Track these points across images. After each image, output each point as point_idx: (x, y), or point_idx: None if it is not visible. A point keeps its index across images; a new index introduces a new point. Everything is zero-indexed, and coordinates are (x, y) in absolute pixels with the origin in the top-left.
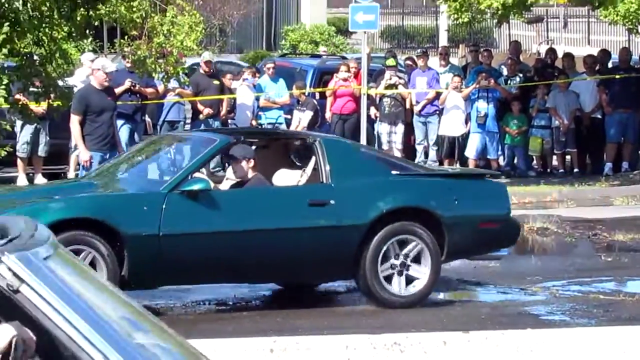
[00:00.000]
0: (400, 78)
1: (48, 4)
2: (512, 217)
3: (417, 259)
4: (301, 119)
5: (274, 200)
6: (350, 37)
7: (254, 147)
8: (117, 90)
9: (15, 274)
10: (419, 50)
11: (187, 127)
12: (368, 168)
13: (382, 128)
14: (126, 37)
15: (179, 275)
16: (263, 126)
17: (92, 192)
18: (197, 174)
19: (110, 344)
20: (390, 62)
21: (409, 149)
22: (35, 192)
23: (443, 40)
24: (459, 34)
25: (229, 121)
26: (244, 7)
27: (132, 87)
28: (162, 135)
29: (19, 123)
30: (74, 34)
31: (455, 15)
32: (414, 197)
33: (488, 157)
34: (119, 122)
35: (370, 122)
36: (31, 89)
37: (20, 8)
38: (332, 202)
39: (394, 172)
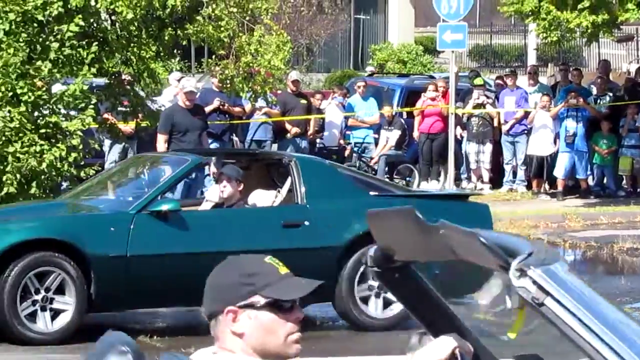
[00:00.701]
0: (488, 97)
1: (136, 24)
2: None
3: None
4: (389, 138)
5: (246, 221)
6: (438, 56)
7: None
8: (207, 109)
9: (540, 287)
10: (507, 70)
11: (275, 146)
12: (345, 189)
13: (470, 147)
14: (214, 57)
15: (147, 298)
16: (351, 145)
17: (61, 213)
18: (168, 195)
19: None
20: (478, 81)
21: (497, 168)
22: (4, 212)
23: (532, 59)
24: (548, 53)
25: (317, 140)
26: (331, 26)
27: (220, 107)
28: (138, 156)
29: (107, 142)
30: (161, 54)
31: (544, 34)
32: None
33: (577, 176)
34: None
35: (458, 141)
36: (119, 108)
37: (109, 28)
38: (306, 223)
39: (371, 193)
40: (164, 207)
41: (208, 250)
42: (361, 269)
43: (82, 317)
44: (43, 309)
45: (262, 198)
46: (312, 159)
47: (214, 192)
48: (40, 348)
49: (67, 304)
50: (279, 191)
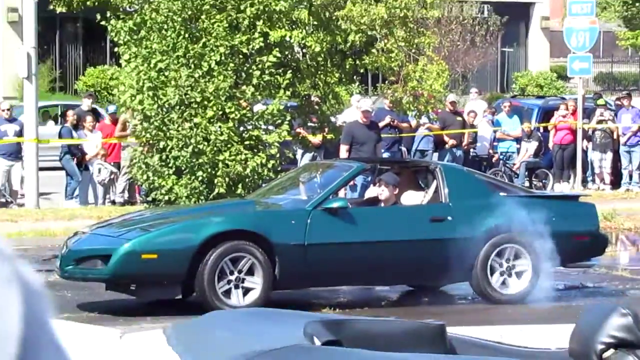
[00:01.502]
0: (609, 115)
1: (323, 55)
2: (600, 232)
3: (517, 263)
4: (528, 149)
5: (401, 217)
6: (569, 82)
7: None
8: (380, 125)
9: None
10: (624, 92)
11: (435, 155)
12: (480, 190)
13: (594, 156)
14: (386, 82)
15: (322, 278)
16: (498, 154)
17: (251, 209)
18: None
19: None
20: (601, 102)
21: (616, 172)
22: (200, 209)
23: None
24: None
25: (470, 150)
26: (481, 57)
27: (391, 122)
28: (311, 163)
29: (299, 151)
30: (343, 80)
31: None
32: None
33: None
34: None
35: (584, 151)
36: (309, 124)
37: (301, 58)
38: (449, 218)
39: (501, 193)
40: (335, 205)
41: (371, 239)
42: (492, 256)
43: (267, 294)
44: (236, 287)
45: (413, 198)
46: (453, 166)
47: (373, 193)
48: None
49: (256, 283)
50: (426, 192)
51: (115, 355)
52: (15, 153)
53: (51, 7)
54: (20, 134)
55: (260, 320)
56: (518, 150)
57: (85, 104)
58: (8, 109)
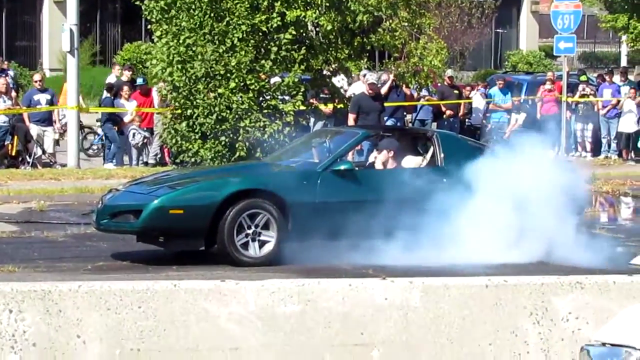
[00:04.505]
0: (591, 90)
1: (334, 33)
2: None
3: None
4: (517, 119)
5: (401, 178)
6: (556, 60)
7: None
8: (382, 90)
9: None
10: (605, 69)
11: (434, 124)
12: (472, 155)
13: (577, 126)
14: (391, 58)
15: (331, 232)
16: (490, 124)
17: (267, 170)
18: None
19: None
20: (583, 78)
21: (596, 142)
22: (222, 170)
23: (623, 62)
24: (635, 58)
25: (466, 120)
26: (477, 37)
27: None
28: (321, 130)
29: (312, 120)
30: (352, 56)
31: (632, 44)
32: None
33: None
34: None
35: (567, 121)
36: (321, 95)
37: (314, 36)
38: (444, 180)
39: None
40: (342, 167)
41: (374, 198)
42: None
43: (281, 246)
44: (253, 240)
45: (412, 162)
46: (448, 133)
47: (373, 157)
48: (252, 268)
49: (271, 237)
50: (424, 157)
51: None
52: (48, 120)
53: None
54: (51, 102)
55: None
56: (508, 121)
57: (125, 75)
58: (40, 80)
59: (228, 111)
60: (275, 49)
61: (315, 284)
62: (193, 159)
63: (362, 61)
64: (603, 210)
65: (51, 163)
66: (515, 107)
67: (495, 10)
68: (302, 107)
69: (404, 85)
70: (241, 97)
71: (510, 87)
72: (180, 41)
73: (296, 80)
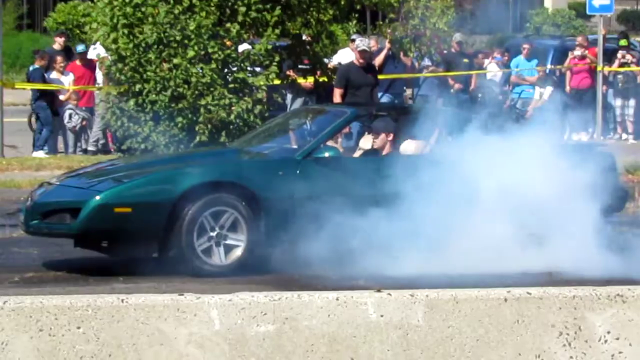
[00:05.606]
0: (633, 57)
1: None
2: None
3: None
4: (542, 94)
5: (397, 167)
6: (590, 20)
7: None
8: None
9: None
10: None
11: (440, 101)
12: (486, 138)
13: (616, 102)
14: (386, 20)
15: (312, 234)
16: (508, 99)
17: (234, 158)
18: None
19: None
20: (623, 42)
21: None
22: (178, 158)
23: None
24: None
25: (479, 95)
26: None
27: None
28: (300, 108)
29: (289, 96)
30: (338, 17)
31: None
32: None
33: None
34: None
35: (604, 96)
36: (300, 66)
37: None
38: (447, 171)
39: None
40: (326, 154)
41: (365, 193)
42: None
43: (252, 252)
44: (217, 244)
45: (412, 147)
46: (454, 111)
47: (367, 141)
48: (216, 280)
49: (239, 240)
50: (428, 141)
51: None
52: None
53: None
54: None
55: None
56: (532, 95)
57: (58, 43)
58: None
59: (186, 86)
60: (243, 9)
61: (295, 298)
62: (143, 145)
63: (350, 24)
64: None
65: None
66: (539, 79)
67: None
68: (277, 81)
69: (402, 54)
70: (202, 68)
71: (533, 55)
72: (127, 0)
73: (269, 47)
